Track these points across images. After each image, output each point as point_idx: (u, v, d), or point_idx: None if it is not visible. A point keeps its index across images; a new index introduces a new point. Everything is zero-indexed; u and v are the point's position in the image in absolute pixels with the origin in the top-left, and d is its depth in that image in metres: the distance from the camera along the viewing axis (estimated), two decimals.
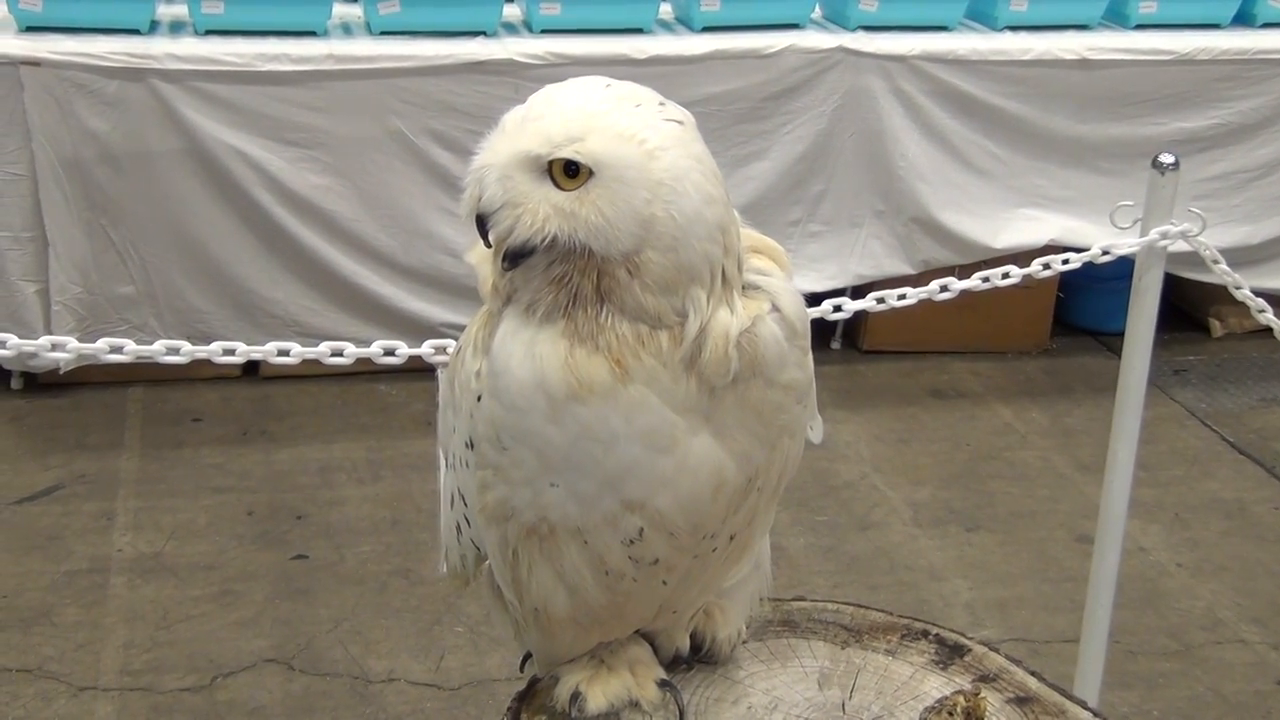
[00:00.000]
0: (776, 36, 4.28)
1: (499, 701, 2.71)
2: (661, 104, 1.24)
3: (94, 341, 2.21)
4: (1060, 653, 3.17)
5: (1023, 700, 1.51)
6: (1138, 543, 3.67)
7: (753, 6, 4.33)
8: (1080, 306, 4.94)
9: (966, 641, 1.60)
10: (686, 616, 1.47)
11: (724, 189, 1.25)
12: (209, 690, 3.03)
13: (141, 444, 4.01)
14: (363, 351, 2.33)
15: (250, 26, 4.06)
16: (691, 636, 1.51)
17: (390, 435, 4.11)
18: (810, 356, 1.33)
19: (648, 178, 1.20)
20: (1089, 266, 2.74)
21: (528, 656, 1.52)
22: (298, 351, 2.30)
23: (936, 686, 1.52)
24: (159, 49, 3.93)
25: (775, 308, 1.27)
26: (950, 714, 1.43)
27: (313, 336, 3.74)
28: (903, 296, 2.61)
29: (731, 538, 1.35)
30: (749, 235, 1.31)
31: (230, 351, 2.27)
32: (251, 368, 4.29)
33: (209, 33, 4.03)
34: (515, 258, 1.24)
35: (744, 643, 1.55)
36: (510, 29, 4.26)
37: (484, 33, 4.17)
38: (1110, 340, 4.73)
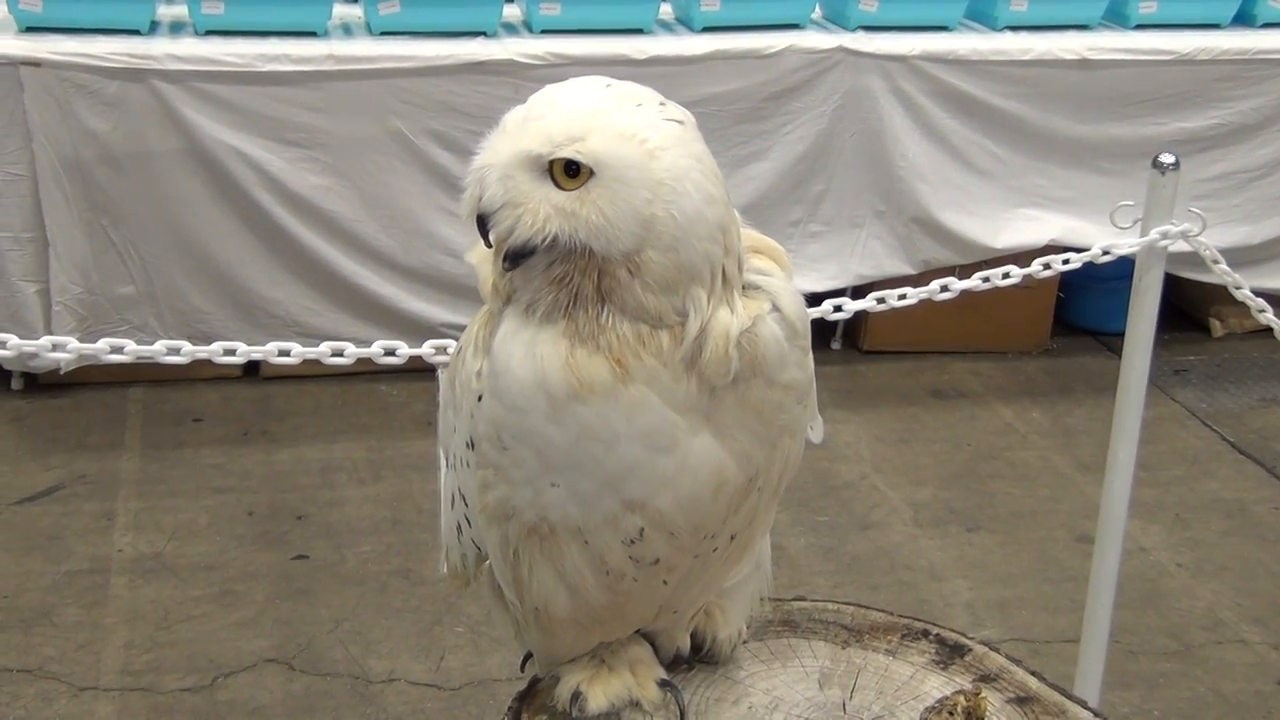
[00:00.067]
0: (776, 36, 4.28)
1: (499, 702, 2.71)
2: (662, 104, 1.24)
3: (94, 342, 2.21)
4: (1061, 653, 3.17)
5: (1023, 700, 1.51)
6: (1138, 543, 3.67)
7: (753, 6, 4.33)
8: (1081, 306, 4.94)
9: (967, 641, 1.60)
10: (687, 616, 1.47)
11: (724, 188, 1.25)
12: (209, 690, 3.03)
13: (142, 444, 4.01)
14: (363, 352, 2.33)
15: (250, 27, 4.06)
16: (692, 636, 1.51)
17: (391, 435, 4.11)
18: (810, 356, 1.33)
19: (649, 177, 1.20)
20: (1089, 266, 2.74)
21: (528, 656, 1.52)
22: (298, 352, 2.30)
23: (937, 686, 1.52)
24: (159, 49, 3.93)
25: (776, 308, 1.27)
26: (951, 714, 1.43)
27: (313, 337, 3.74)
28: (903, 296, 2.61)
29: (732, 538, 1.35)
30: (749, 235, 1.31)
31: (231, 352, 2.27)
32: (252, 368, 4.29)
33: (209, 33, 4.03)
34: (516, 258, 1.24)
35: (744, 643, 1.55)
36: (510, 29, 4.26)
37: (484, 33, 4.17)
38: (1111, 340, 4.73)
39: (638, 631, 1.46)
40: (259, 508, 3.73)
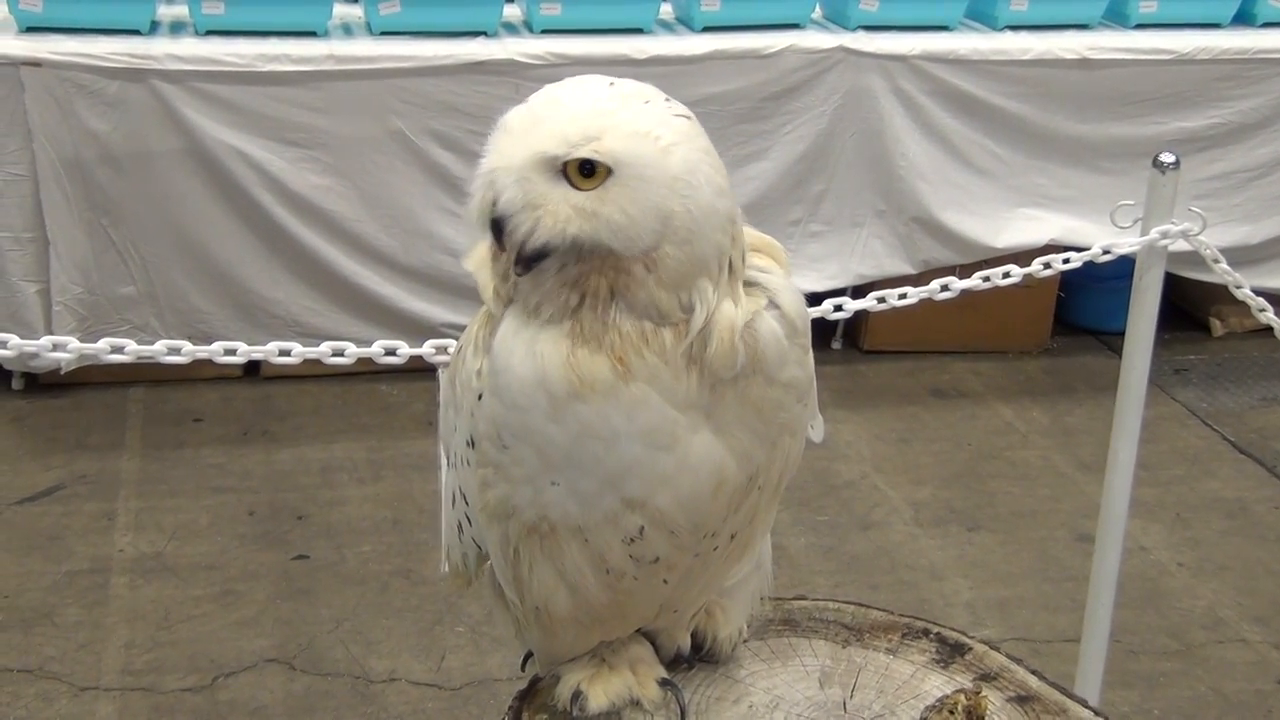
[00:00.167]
0: (777, 36, 4.28)
1: (500, 701, 2.71)
2: (667, 100, 1.24)
3: (95, 342, 2.21)
4: (1061, 652, 3.17)
5: (1024, 699, 1.51)
6: (1139, 542, 3.67)
7: (753, 6, 4.33)
8: (1081, 306, 4.94)
9: (967, 640, 1.60)
10: (688, 615, 1.47)
11: (728, 180, 1.25)
12: (210, 690, 3.03)
13: (143, 444, 4.01)
14: (364, 351, 2.33)
15: (251, 27, 4.06)
16: (693, 635, 1.51)
17: (391, 435, 4.11)
18: (810, 355, 1.33)
19: (666, 173, 1.20)
20: (1090, 266, 2.74)
21: (529, 655, 1.52)
22: (299, 351, 2.30)
23: (937, 685, 1.52)
24: (160, 49, 3.93)
25: (775, 305, 1.27)
26: (951, 713, 1.43)
27: (314, 336, 3.74)
28: (903, 296, 2.61)
29: (732, 536, 1.35)
30: (748, 233, 1.31)
31: (231, 351, 2.27)
32: (252, 368, 4.29)
33: (209, 33, 4.03)
34: (530, 261, 1.22)
35: (745, 642, 1.55)
36: (511, 29, 4.26)
37: (484, 33, 4.17)
38: (1111, 339, 4.73)
39: (638, 631, 1.46)
40: (259, 507, 3.73)
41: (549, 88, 1.25)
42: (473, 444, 1.31)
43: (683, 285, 1.22)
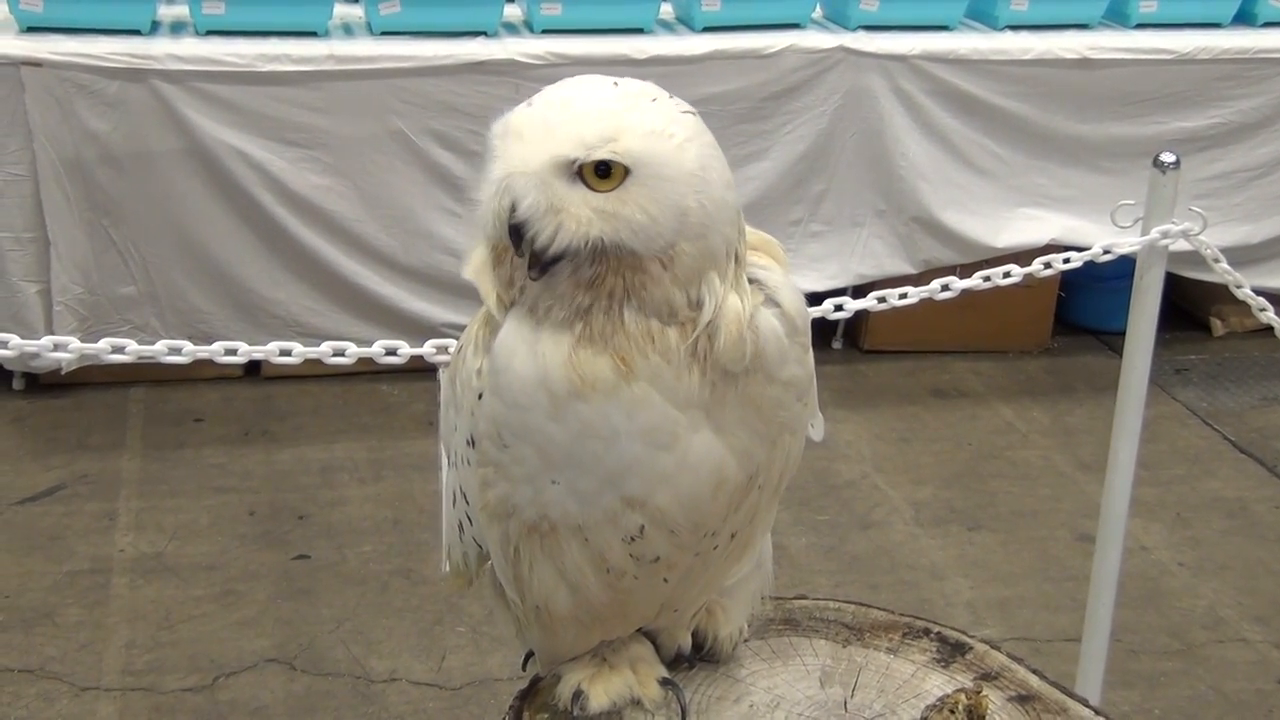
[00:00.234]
0: (777, 36, 4.28)
1: (501, 701, 2.71)
2: (670, 97, 1.25)
3: (96, 342, 2.21)
4: (1062, 651, 3.17)
5: (1024, 698, 1.51)
6: (1139, 542, 3.67)
7: (753, 6, 4.33)
8: (1081, 305, 4.94)
9: (968, 640, 1.60)
10: (688, 615, 1.47)
11: (731, 173, 1.26)
12: (211, 690, 3.03)
13: (143, 444, 4.02)
14: (364, 351, 2.33)
15: (251, 27, 4.06)
16: (693, 635, 1.51)
17: (392, 435, 4.11)
18: (810, 354, 1.33)
19: (683, 170, 1.21)
20: (1090, 265, 2.74)
21: (530, 655, 1.52)
22: (299, 351, 2.30)
23: (938, 685, 1.52)
24: (160, 49, 3.93)
25: (775, 303, 1.28)
26: (952, 712, 1.43)
27: (314, 336, 3.73)
28: (904, 296, 2.61)
29: (733, 536, 1.35)
30: (747, 232, 1.31)
31: (232, 351, 2.28)
32: (253, 368, 4.29)
33: (210, 33, 4.04)
34: (546, 265, 1.22)
35: (746, 641, 1.55)
36: (511, 29, 4.26)
37: (485, 33, 4.18)
38: (1111, 339, 4.73)
39: (639, 630, 1.46)
40: (260, 507, 3.73)
41: (551, 89, 1.24)
42: (473, 443, 1.31)
43: (694, 280, 1.22)
